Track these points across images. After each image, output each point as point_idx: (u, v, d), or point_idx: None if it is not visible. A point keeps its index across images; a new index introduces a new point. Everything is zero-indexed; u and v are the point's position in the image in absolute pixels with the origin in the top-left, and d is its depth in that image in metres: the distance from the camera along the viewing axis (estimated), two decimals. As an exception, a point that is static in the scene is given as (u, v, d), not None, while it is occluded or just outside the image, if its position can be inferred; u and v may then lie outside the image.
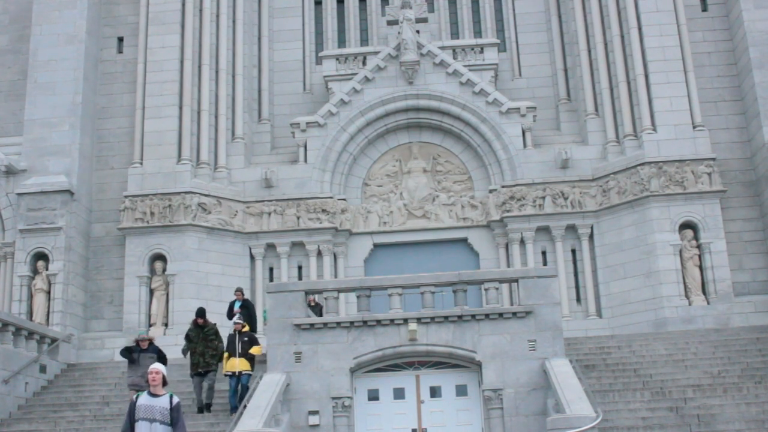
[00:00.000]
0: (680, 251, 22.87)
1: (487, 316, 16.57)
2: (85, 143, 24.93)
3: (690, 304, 22.44)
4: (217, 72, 25.75)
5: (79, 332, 23.61)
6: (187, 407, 16.51)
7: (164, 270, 23.68)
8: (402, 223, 25.28)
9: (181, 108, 24.84)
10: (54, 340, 21.54)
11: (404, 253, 25.07)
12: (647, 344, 20.36)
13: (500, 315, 16.56)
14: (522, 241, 24.41)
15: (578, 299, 24.16)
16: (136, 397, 9.96)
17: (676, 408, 15.93)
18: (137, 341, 16.73)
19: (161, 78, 24.96)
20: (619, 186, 23.82)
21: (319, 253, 24.78)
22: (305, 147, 25.52)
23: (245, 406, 15.11)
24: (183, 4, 25.66)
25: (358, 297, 17.39)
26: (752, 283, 23.28)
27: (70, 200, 23.85)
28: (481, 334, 16.52)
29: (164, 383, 10.05)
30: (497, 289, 17.20)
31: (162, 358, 16.45)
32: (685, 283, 22.71)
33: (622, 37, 24.93)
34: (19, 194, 23.78)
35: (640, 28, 24.50)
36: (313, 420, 16.16)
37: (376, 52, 26.38)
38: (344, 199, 25.29)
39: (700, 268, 22.86)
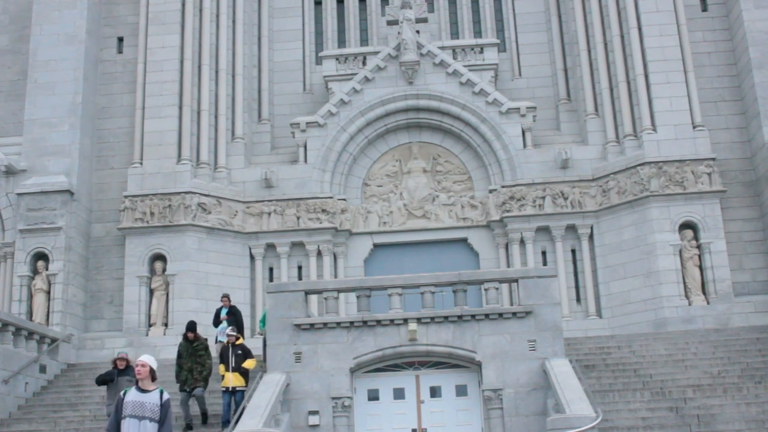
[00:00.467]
0: (680, 251, 22.87)
1: (487, 316, 16.57)
2: (85, 143, 24.93)
3: (690, 304, 22.44)
4: (217, 72, 25.75)
5: (79, 332, 23.61)
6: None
7: (164, 270, 23.68)
8: (402, 223, 25.28)
9: (181, 108, 24.84)
10: (54, 340, 21.54)
11: (404, 253, 25.06)
12: (647, 344, 20.36)
13: (500, 315, 16.56)
14: (522, 241, 24.41)
15: (578, 299, 24.16)
16: (124, 393, 9.31)
17: (676, 408, 15.93)
18: (114, 361, 15.58)
19: (161, 78, 24.96)
20: (619, 186, 23.82)
21: (319, 253, 24.78)
22: (305, 147, 25.52)
23: (240, 415, 15.02)
24: (183, 4, 25.66)
25: (358, 297, 17.38)
26: (752, 283, 23.27)
27: (70, 200, 23.85)
28: (481, 334, 16.52)
29: (153, 378, 9.35)
30: (497, 289, 17.20)
31: None
32: (685, 283, 22.71)
33: (622, 37, 24.93)
34: (19, 194, 23.78)
35: (640, 28, 24.50)
36: (313, 420, 16.16)
37: (376, 52, 26.38)
38: (344, 199, 25.29)
39: (700, 268, 22.86)
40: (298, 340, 16.73)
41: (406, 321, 16.65)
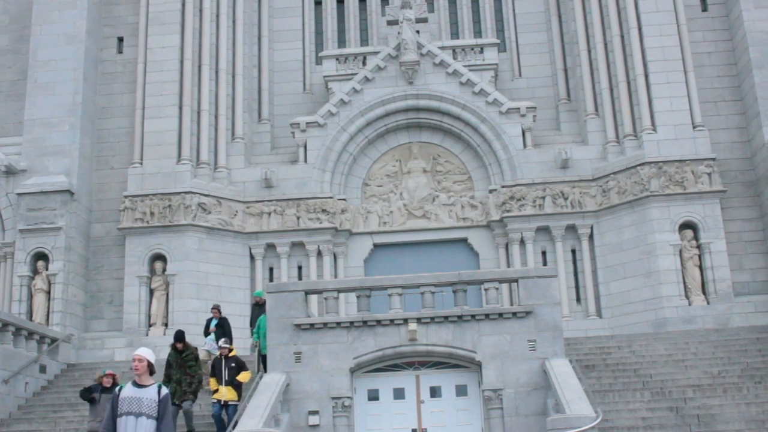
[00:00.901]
0: (680, 251, 22.87)
1: (487, 316, 16.56)
2: (85, 143, 24.93)
3: (690, 304, 22.44)
4: (217, 72, 25.75)
5: (79, 332, 23.61)
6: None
7: (164, 270, 23.68)
8: (402, 223, 25.28)
9: (181, 108, 24.84)
10: (54, 340, 21.54)
11: (404, 253, 25.07)
12: (647, 344, 20.36)
13: (500, 315, 16.55)
14: (522, 241, 24.41)
15: (578, 299, 24.16)
16: (119, 389, 8.71)
17: (676, 408, 15.93)
18: (100, 378, 14.94)
19: (161, 78, 24.96)
20: (619, 186, 23.82)
21: (319, 253, 24.78)
22: (305, 147, 25.52)
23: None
24: (183, 4, 25.66)
25: (358, 297, 17.37)
26: (752, 283, 23.27)
27: (70, 200, 23.85)
28: (481, 334, 16.51)
29: (151, 372, 8.76)
30: (497, 289, 17.19)
31: None
32: (685, 283, 22.71)
33: (622, 37, 24.93)
34: (19, 194, 23.78)
35: (640, 28, 24.50)
36: (313, 420, 16.15)
37: (376, 52, 26.38)
38: (344, 199, 25.29)
39: (700, 268, 22.86)
40: (298, 340, 16.72)
41: (406, 321, 16.64)
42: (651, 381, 17.60)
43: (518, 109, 25.13)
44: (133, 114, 25.28)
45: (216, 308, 19.34)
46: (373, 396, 16.87)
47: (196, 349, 16.24)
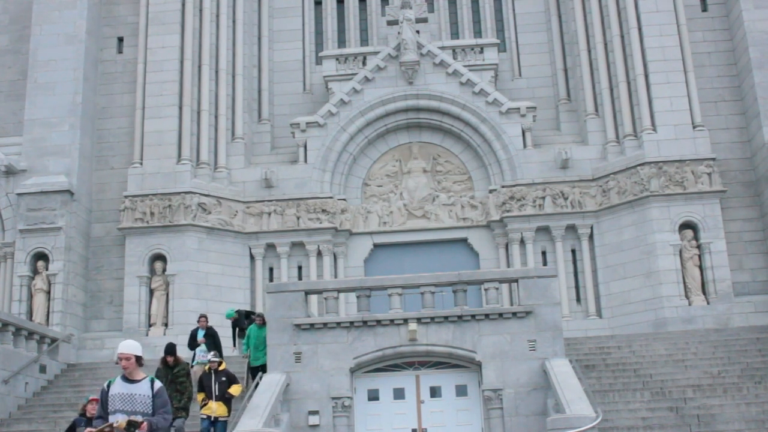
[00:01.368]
0: (680, 251, 22.87)
1: (487, 316, 16.56)
2: (85, 143, 24.93)
3: (690, 304, 22.44)
4: (217, 72, 25.75)
5: (79, 332, 23.61)
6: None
7: (164, 270, 23.68)
8: (402, 223, 25.28)
9: (181, 108, 24.84)
10: (54, 340, 21.54)
11: (404, 253, 25.06)
12: (647, 344, 20.35)
13: (500, 315, 16.55)
14: (522, 241, 24.41)
15: (578, 299, 24.16)
16: (108, 384, 7.89)
17: (676, 408, 15.92)
18: (84, 408, 13.68)
19: (161, 78, 24.96)
20: (619, 186, 23.82)
21: (319, 253, 24.78)
22: (305, 147, 25.52)
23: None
24: (183, 4, 25.66)
25: (358, 297, 17.37)
26: (752, 283, 23.28)
27: (70, 200, 23.85)
28: (481, 334, 16.51)
29: (140, 365, 7.97)
30: (497, 289, 17.19)
31: None
32: (685, 283, 22.71)
33: (622, 37, 24.92)
34: (19, 194, 23.78)
35: (640, 28, 24.50)
36: (313, 420, 16.15)
37: (376, 52, 26.38)
38: (344, 199, 25.29)
39: (700, 268, 22.86)
40: (298, 340, 16.72)
41: (406, 321, 16.64)
42: (651, 381, 17.60)
43: (518, 109, 25.13)
44: (133, 114, 25.28)
45: (204, 317, 18.61)
46: (373, 396, 16.87)
47: (187, 364, 15.41)
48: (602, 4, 25.51)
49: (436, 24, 27.77)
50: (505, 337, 16.43)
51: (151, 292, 23.74)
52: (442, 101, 25.50)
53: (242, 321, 19.92)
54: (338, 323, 16.80)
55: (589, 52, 25.65)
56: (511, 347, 16.35)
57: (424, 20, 26.75)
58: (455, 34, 27.92)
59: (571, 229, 24.38)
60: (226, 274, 24.05)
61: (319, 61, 27.55)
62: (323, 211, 24.74)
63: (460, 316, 16.57)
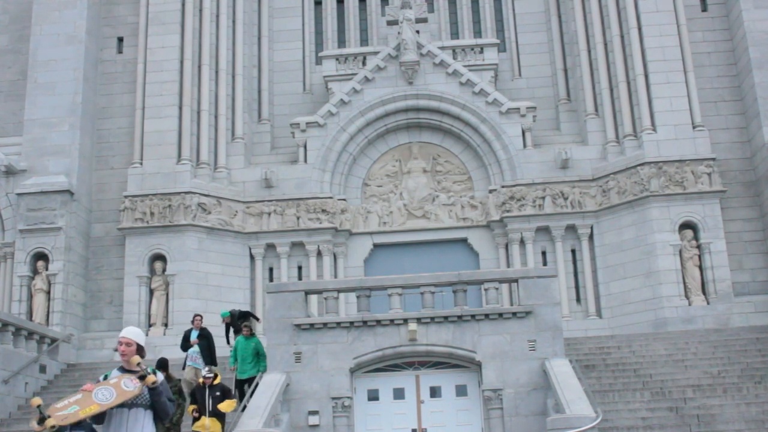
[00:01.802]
0: (680, 251, 22.87)
1: (487, 316, 16.57)
2: (85, 143, 24.93)
3: (690, 304, 22.44)
4: (217, 72, 25.75)
5: (79, 332, 23.61)
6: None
7: (164, 270, 23.68)
8: (402, 223, 25.28)
9: (181, 108, 24.84)
10: (54, 340, 21.54)
11: (404, 253, 25.06)
12: (647, 344, 20.35)
13: (500, 315, 16.56)
14: (522, 241, 24.40)
15: (578, 299, 24.16)
16: (105, 378, 7.24)
17: (676, 408, 15.92)
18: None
19: (161, 78, 24.96)
20: (619, 186, 23.81)
21: (319, 253, 24.77)
22: (305, 147, 25.52)
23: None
24: (183, 4, 25.66)
25: (358, 297, 17.38)
26: (752, 283, 23.27)
27: (70, 200, 23.85)
28: (481, 334, 16.51)
29: (141, 356, 7.24)
30: (497, 289, 17.20)
31: None
32: (685, 283, 22.71)
33: (622, 37, 24.92)
34: (19, 194, 23.78)
35: (640, 28, 24.50)
36: (313, 420, 16.16)
37: (376, 52, 26.37)
38: (344, 199, 25.29)
39: (700, 268, 22.86)
40: (298, 340, 16.73)
41: (406, 321, 16.65)
42: (651, 381, 17.60)
43: (518, 109, 25.12)
44: (133, 114, 25.28)
45: (199, 317, 18.04)
46: (373, 396, 16.88)
47: (179, 381, 14.68)
48: (602, 4, 25.51)
49: (436, 24, 27.77)
50: (505, 337, 16.43)
51: (151, 292, 23.74)
52: (442, 101, 25.50)
53: (236, 322, 19.65)
54: (338, 323, 16.81)
55: (589, 52, 25.65)
56: (511, 347, 16.36)
57: (424, 20, 26.75)
58: (455, 34, 27.92)
59: (571, 229, 24.38)
60: (226, 274, 24.05)
61: (319, 61, 27.55)
62: (323, 211, 24.74)
63: (460, 316, 16.57)
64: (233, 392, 16.35)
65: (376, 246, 25.30)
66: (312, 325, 16.77)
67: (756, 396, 16.45)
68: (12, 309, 22.94)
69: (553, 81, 26.83)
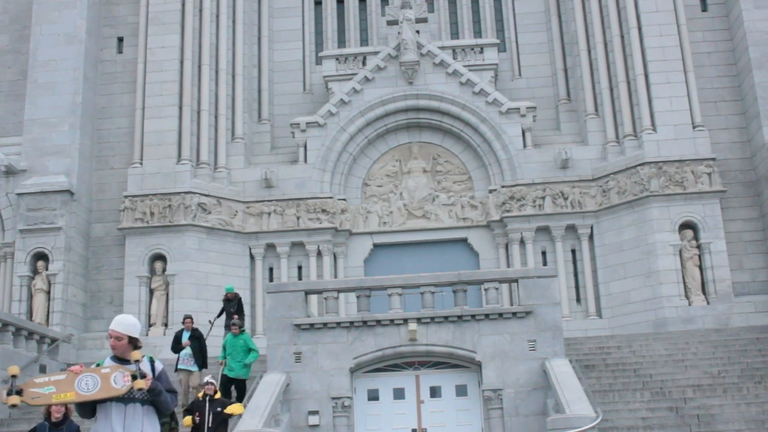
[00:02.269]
0: (680, 251, 22.86)
1: (487, 316, 16.58)
2: (85, 143, 24.93)
3: (690, 304, 22.44)
4: (217, 72, 25.75)
5: (79, 332, 23.61)
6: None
7: (164, 270, 23.68)
8: (402, 223, 25.28)
9: (181, 108, 24.84)
10: (54, 340, 21.54)
11: (404, 253, 25.05)
12: (647, 344, 20.35)
13: (500, 315, 16.56)
14: (522, 241, 24.40)
15: (578, 299, 24.15)
16: (98, 366, 6.33)
17: (676, 408, 15.92)
18: (47, 412, 11.51)
19: (161, 78, 24.96)
20: (619, 186, 23.81)
21: (319, 253, 24.77)
22: (305, 147, 25.51)
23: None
24: (183, 4, 25.66)
25: (358, 297, 17.39)
26: (752, 283, 23.27)
27: (70, 200, 23.85)
28: (481, 334, 16.51)
29: (135, 347, 6.33)
30: (497, 289, 17.21)
31: None
32: (685, 283, 22.71)
33: (622, 37, 24.92)
34: (19, 194, 23.78)
35: (640, 28, 24.49)
36: (313, 420, 16.17)
37: (376, 52, 26.37)
38: (344, 199, 25.28)
39: (700, 268, 22.85)
40: (298, 340, 16.73)
41: (406, 321, 16.65)
42: (651, 381, 17.60)
43: (518, 109, 25.12)
44: (133, 114, 25.28)
45: (189, 318, 17.76)
46: (373, 396, 16.88)
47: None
48: (602, 4, 25.50)
49: (436, 24, 27.77)
50: (505, 337, 16.44)
51: (151, 292, 23.73)
52: (442, 101, 25.50)
53: (230, 306, 18.93)
54: (338, 323, 16.82)
55: (589, 52, 25.64)
56: (511, 347, 16.37)
57: (424, 20, 26.74)
58: (455, 34, 27.91)
59: (571, 229, 24.38)
60: (226, 274, 24.03)
61: (319, 61, 27.54)
62: (323, 211, 24.74)
63: (460, 316, 16.58)
64: (221, 386, 16.03)
65: (376, 246, 25.30)
66: (312, 325, 16.78)
67: (756, 396, 16.45)
68: (12, 309, 22.94)
69: (553, 81, 26.83)
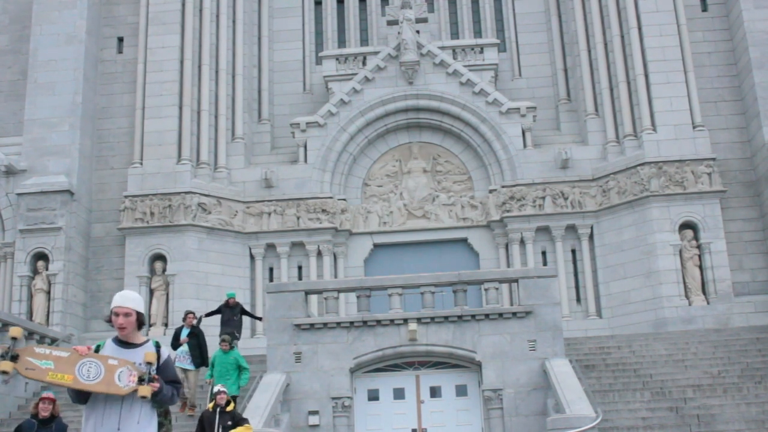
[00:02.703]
0: (680, 251, 22.86)
1: (487, 316, 16.58)
2: (85, 143, 24.93)
3: (690, 304, 22.44)
4: (217, 72, 25.75)
5: (79, 332, 23.61)
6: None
7: (164, 270, 23.68)
8: (402, 223, 25.28)
9: (181, 108, 24.84)
10: (54, 340, 21.55)
11: (404, 253, 25.06)
12: (647, 344, 20.35)
13: (500, 315, 16.57)
14: (522, 241, 24.40)
15: (578, 299, 24.15)
16: (96, 348, 5.93)
17: (676, 408, 15.93)
18: (36, 407, 11.30)
19: (161, 78, 24.96)
20: (619, 186, 23.81)
21: (319, 253, 24.77)
22: (305, 147, 25.52)
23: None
24: (183, 4, 25.66)
25: (358, 297, 17.40)
26: (752, 283, 23.27)
27: (70, 200, 23.85)
28: (481, 334, 16.51)
29: (140, 325, 5.97)
30: (497, 289, 17.21)
31: None
32: (685, 283, 22.71)
33: (622, 37, 24.92)
34: (19, 194, 23.78)
35: (640, 28, 24.49)
36: (313, 420, 16.17)
37: (376, 52, 26.37)
38: (344, 199, 25.28)
39: (700, 268, 22.85)
40: (298, 340, 16.73)
41: (406, 321, 16.66)
42: (651, 381, 17.60)
43: (518, 109, 25.12)
44: (133, 114, 25.28)
45: (191, 314, 17.22)
46: (373, 396, 16.89)
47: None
48: (602, 4, 25.50)
49: (436, 24, 27.77)
50: (505, 337, 16.44)
51: (151, 292, 23.73)
52: (442, 101, 25.50)
53: (227, 312, 18.51)
54: (338, 323, 16.82)
55: (589, 52, 25.64)
56: (511, 347, 16.37)
57: (424, 20, 26.74)
58: (455, 34, 27.91)
59: (571, 229, 24.38)
60: (226, 274, 24.04)
61: (319, 61, 27.55)
62: (323, 211, 24.74)
63: (460, 316, 16.58)
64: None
65: (376, 246, 25.30)
66: (312, 325, 16.78)
67: (756, 396, 16.46)
68: (12, 309, 22.94)
69: (553, 81, 26.83)
